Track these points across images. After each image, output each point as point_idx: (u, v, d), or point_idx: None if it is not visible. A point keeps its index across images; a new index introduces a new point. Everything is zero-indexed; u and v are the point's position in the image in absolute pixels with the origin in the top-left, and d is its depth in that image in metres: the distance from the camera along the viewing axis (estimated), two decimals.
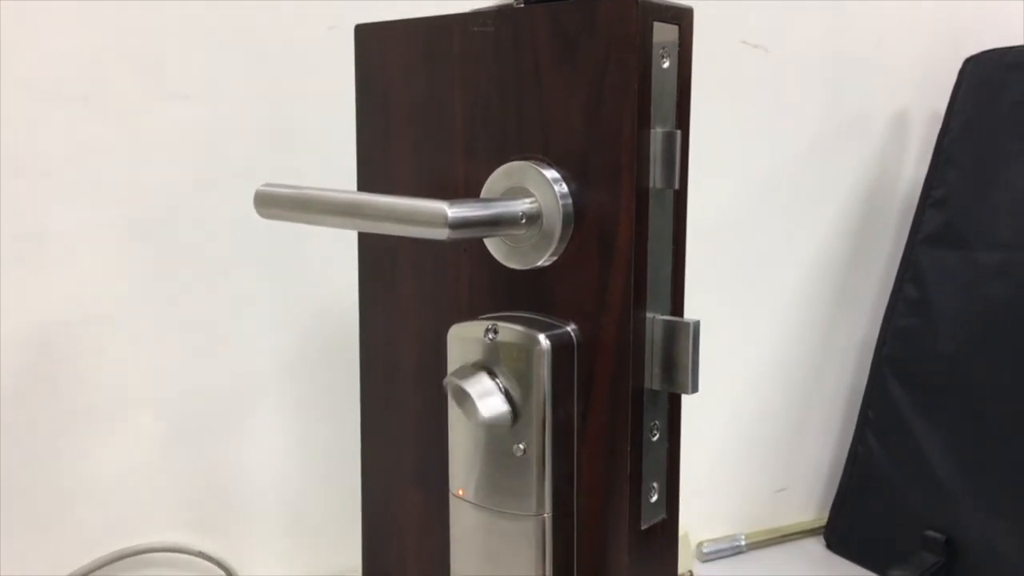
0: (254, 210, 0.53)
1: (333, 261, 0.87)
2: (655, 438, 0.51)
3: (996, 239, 1.03)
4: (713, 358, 1.09)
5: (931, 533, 1.02)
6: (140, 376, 0.83)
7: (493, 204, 0.49)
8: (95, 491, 0.83)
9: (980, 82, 1.08)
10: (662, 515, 0.52)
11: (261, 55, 0.83)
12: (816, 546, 1.16)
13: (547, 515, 0.50)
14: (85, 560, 0.82)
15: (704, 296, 1.06)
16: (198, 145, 0.82)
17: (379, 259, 0.62)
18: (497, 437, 0.51)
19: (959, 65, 1.10)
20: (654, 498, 0.51)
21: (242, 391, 0.88)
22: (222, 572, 0.88)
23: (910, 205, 1.15)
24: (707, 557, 1.10)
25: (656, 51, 0.48)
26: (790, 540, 1.17)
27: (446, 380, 0.51)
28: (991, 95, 1.07)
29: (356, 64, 0.61)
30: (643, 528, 0.51)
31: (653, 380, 0.49)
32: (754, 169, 1.09)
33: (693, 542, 1.10)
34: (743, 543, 1.13)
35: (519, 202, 0.50)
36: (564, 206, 0.50)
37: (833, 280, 1.17)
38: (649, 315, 0.49)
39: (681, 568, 1.05)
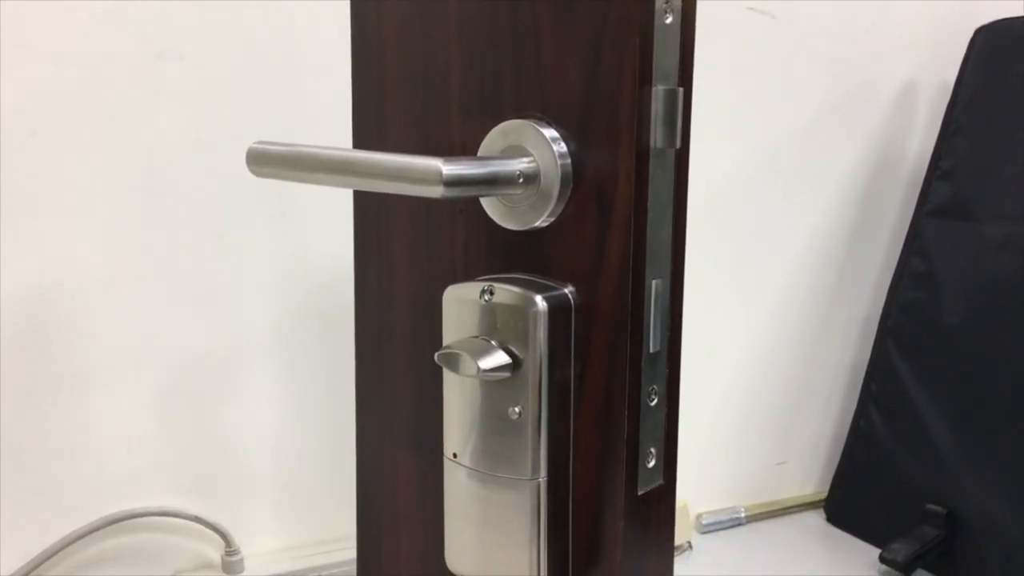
0: (248, 170, 0.52)
1: (328, 223, 0.86)
2: (653, 403, 0.50)
3: (1003, 211, 1.01)
4: (714, 328, 1.08)
5: (932, 507, 1.02)
6: (135, 339, 0.83)
7: (489, 162, 0.48)
8: (90, 455, 0.82)
9: (991, 52, 1.06)
10: (659, 481, 0.51)
11: (256, 14, 0.82)
12: (816, 519, 1.16)
13: (542, 479, 0.49)
14: (81, 523, 0.82)
15: (706, 263, 1.06)
16: (192, 106, 0.81)
17: (374, 220, 0.61)
18: (493, 399, 0.50)
19: (969, 34, 1.08)
20: (651, 463, 0.50)
21: (237, 354, 0.87)
22: (218, 536, 0.87)
23: (917, 177, 1.14)
24: (706, 529, 1.10)
25: (659, 6, 0.46)
26: (790, 513, 1.17)
27: (437, 355, 0.50)
28: (1002, 65, 1.05)
29: (352, 22, 0.60)
30: (640, 493, 0.50)
31: (652, 343, 0.49)
32: (759, 136, 1.08)
33: (692, 513, 1.10)
34: (743, 515, 1.12)
35: (516, 161, 0.49)
36: (563, 166, 0.48)
37: (838, 251, 1.16)
38: (648, 278, 0.48)
39: (680, 539, 1.05)
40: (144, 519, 0.84)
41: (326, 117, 0.80)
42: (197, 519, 0.86)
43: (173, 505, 0.86)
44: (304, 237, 0.87)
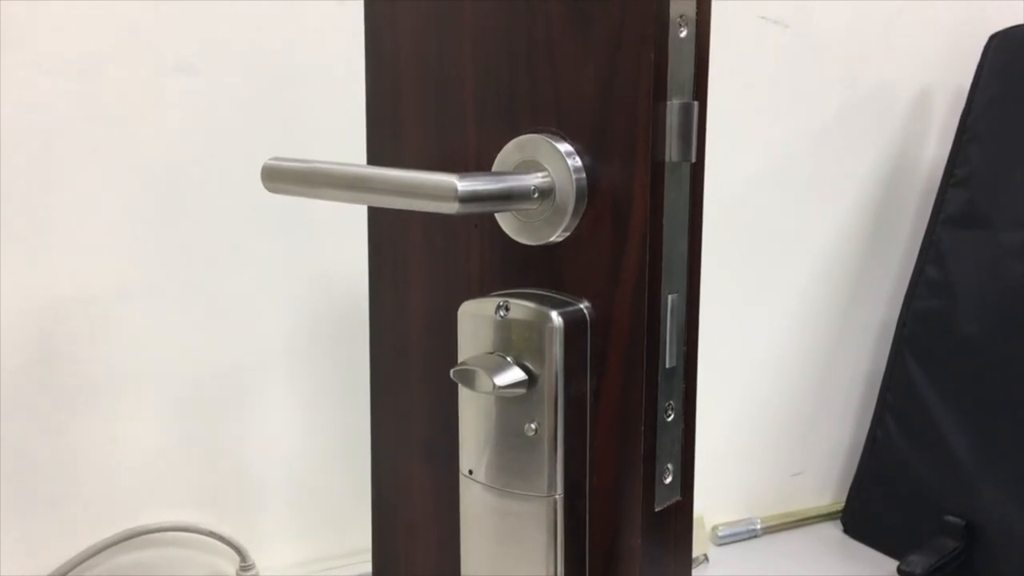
0: (262, 185, 0.52)
1: (343, 236, 0.86)
2: (670, 418, 0.50)
3: (1019, 218, 1.00)
4: (730, 338, 1.08)
5: (951, 518, 1.01)
6: (150, 354, 0.83)
7: (504, 178, 0.48)
8: (105, 470, 0.82)
9: (1005, 59, 1.06)
10: (676, 496, 0.51)
11: (271, 27, 0.82)
12: (833, 530, 1.15)
13: (559, 496, 0.49)
14: (96, 539, 0.82)
15: (720, 274, 1.05)
16: (207, 119, 0.81)
17: (389, 235, 0.61)
18: (508, 416, 0.50)
19: (984, 41, 1.08)
20: (668, 479, 0.50)
21: (252, 369, 0.87)
22: (233, 551, 0.87)
23: (932, 184, 1.13)
24: (722, 540, 1.09)
25: (673, 20, 0.46)
26: (806, 524, 1.16)
27: (452, 371, 0.50)
28: (1016, 72, 1.05)
29: (366, 34, 0.60)
30: (657, 510, 0.49)
31: (668, 359, 0.48)
32: (773, 146, 1.07)
33: (708, 525, 1.09)
34: (759, 527, 1.12)
35: (531, 176, 0.49)
36: (577, 180, 0.48)
37: (853, 260, 1.15)
38: (664, 292, 0.48)
39: (696, 551, 1.04)
40: (159, 534, 0.84)
41: (342, 130, 0.80)
42: (212, 534, 0.86)
43: (188, 520, 0.86)
44: (320, 250, 0.87)
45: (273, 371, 0.88)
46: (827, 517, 1.17)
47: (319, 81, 0.84)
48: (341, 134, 0.79)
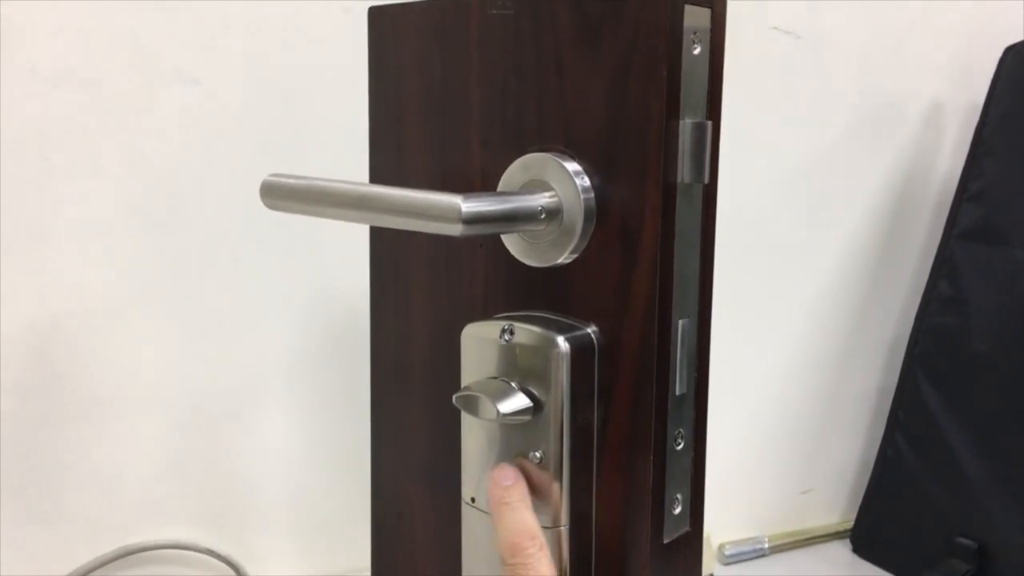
0: (261, 201, 0.50)
1: (344, 254, 0.85)
2: (679, 447, 0.48)
3: None
4: (738, 355, 1.06)
5: (962, 540, 0.99)
6: (148, 370, 0.81)
7: (510, 198, 0.46)
8: (101, 486, 0.81)
9: (1020, 72, 1.04)
10: (686, 527, 0.49)
11: (273, 39, 0.81)
12: (842, 550, 1.13)
13: (564, 527, 0.47)
14: (91, 556, 0.81)
15: (729, 290, 1.03)
16: (207, 132, 0.80)
17: (391, 254, 0.59)
18: (512, 443, 0.48)
19: (999, 54, 1.06)
20: (678, 510, 0.48)
21: (251, 386, 0.86)
22: (230, 570, 0.86)
23: (945, 199, 1.11)
24: (729, 560, 1.08)
25: (687, 36, 0.45)
26: (815, 543, 1.14)
27: (455, 397, 0.48)
28: None
29: (369, 48, 0.58)
30: (666, 541, 0.48)
31: (678, 386, 0.47)
32: (783, 160, 1.06)
33: (715, 544, 1.08)
34: (766, 546, 1.10)
35: (538, 196, 0.47)
36: (586, 200, 0.47)
37: (864, 276, 1.14)
38: (675, 318, 0.46)
39: (703, 571, 1.02)
40: (156, 552, 0.83)
41: (344, 145, 0.78)
42: (209, 551, 0.85)
43: (185, 538, 0.84)
44: (321, 264, 0.86)
45: (272, 387, 0.86)
46: (836, 536, 1.15)
47: (321, 94, 0.83)
48: (343, 148, 0.78)
